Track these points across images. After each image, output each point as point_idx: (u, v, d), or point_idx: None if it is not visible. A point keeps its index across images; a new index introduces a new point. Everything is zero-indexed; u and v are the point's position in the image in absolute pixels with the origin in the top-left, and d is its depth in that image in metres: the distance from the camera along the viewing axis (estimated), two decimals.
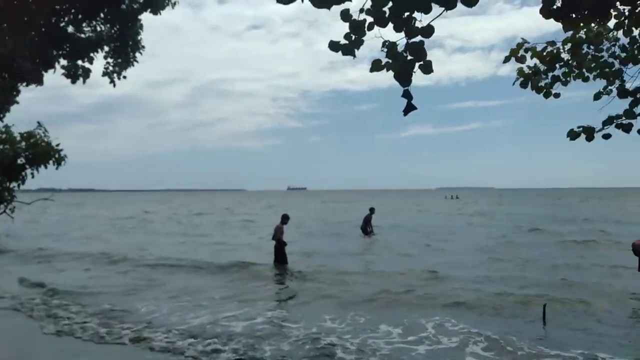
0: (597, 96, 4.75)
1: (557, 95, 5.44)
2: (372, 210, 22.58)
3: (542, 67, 5.37)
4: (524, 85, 5.55)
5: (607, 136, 4.33)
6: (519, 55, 5.19)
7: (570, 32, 5.03)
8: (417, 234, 22.71)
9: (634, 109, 4.25)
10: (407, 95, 2.79)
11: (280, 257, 13.40)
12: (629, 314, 8.14)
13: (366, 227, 22.20)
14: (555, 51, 5.23)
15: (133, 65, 8.24)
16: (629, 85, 4.47)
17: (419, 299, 9.20)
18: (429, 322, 7.78)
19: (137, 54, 8.15)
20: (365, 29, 2.79)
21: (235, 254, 15.83)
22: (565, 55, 5.25)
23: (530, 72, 5.44)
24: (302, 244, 18.00)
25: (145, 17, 7.54)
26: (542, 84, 5.50)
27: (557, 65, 5.31)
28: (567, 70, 5.30)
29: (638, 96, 4.32)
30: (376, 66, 2.97)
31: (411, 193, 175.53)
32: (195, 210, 49.40)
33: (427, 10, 2.42)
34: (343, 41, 2.85)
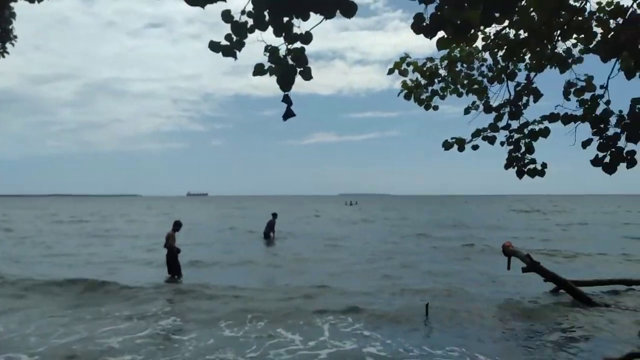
0: (466, 111, 5.21)
1: (435, 108, 5.88)
2: (274, 215, 22.96)
3: (423, 81, 5.81)
4: (407, 97, 5.92)
5: (475, 147, 4.77)
6: (402, 68, 5.55)
7: (447, 50, 5.53)
8: (311, 241, 23.10)
9: (497, 123, 4.73)
10: (287, 100, 2.82)
11: (173, 267, 12.48)
12: (502, 315, 8.92)
13: (269, 232, 22.46)
14: (434, 67, 5.68)
15: (3, 57, 7.41)
16: (493, 102, 4.94)
17: (313, 306, 9.27)
18: (325, 324, 7.92)
19: (8, 45, 7.35)
20: (247, 31, 2.78)
21: (72, 270, 13.89)
22: (442, 72, 5.73)
23: (412, 85, 5.85)
24: (197, 252, 17.41)
25: (22, 5, 6.79)
26: (423, 96, 5.94)
27: (436, 80, 5.77)
28: (444, 85, 5.79)
29: (501, 112, 4.81)
30: (259, 70, 2.97)
31: (314, 199, 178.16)
32: (63, 217, 44.00)
33: (304, 17, 2.47)
34: (224, 42, 2.80)
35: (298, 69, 2.87)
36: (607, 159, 3.80)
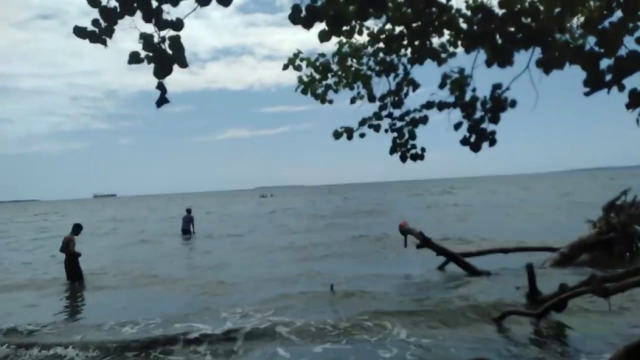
0: (352, 100, 5.49)
1: (330, 102, 6.12)
2: (189, 210, 22.76)
3: (317, 76, 6.02)
4: (304, 92, 6.10)
5: (362, 135, 5.06)
6: (296, 64, 5.71)
7: (337, 46, 5.78)
8: (219, 234, 23.09)
9: (381, 112, 5.05)
10: (161, 87, 2.80)
11: (73, 272, 11.76)
12: (403, 287, 9.66)
13: (188, 229, 22.15)
14: (326, 62, 5.91)
15: None
16: (377, 93, 5.25)
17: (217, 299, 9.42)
18: (232, 316, 7.95)
19: None
20: (116, 17, 2.72)
21: None
22: (334, 66, 5.98)
23: (308, 80, 6.04)
24: (104, 255, 16.49)
25: None
26: (319, 91, 6.15)
27: (329, 75, 6.02)
28: (337, 79, 6.05)
29: (385, 102, 5.13)
30: (135, 58, 2.92)
31: (229, 194, 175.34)
32: None
33: (173, 2, 2.48)
34: (91, 28, 2.72)
35: (175, 57, 2.87)
36: (472, 139, 4.22)
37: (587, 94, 3.15)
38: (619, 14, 3.24)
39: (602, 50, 3.11)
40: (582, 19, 4.46)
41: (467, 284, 9.48)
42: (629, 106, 3.07)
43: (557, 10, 4.25)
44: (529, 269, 7.23)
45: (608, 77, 3.01)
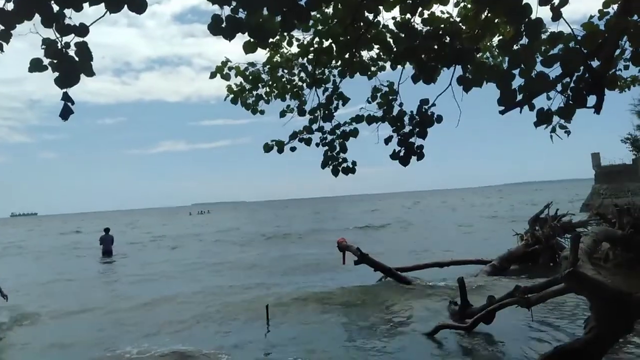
0: (282, 114, 5.44)
1: (262, 112, 6.03)
2: (107, 230, 21.68)
3: (248, 86, 5.90)
4: (233, 101, 5.96)
5: (293, 149, 5.01)
6: (224, 73, 5.56)
7: (267, 55, 5.71)
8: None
9: (312, 126, 5.03)
10: (66, 98, 2.59)
11: None
12: (335, 301, 9.66)
13: (109, 249, 21.14)
14: (256, 72, 5.82)
15: None
16: (308, 106, 5.23)
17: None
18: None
19: None
20: (14, 20, 2.48)
21: None
22: (265, 76, 5.89)
23: (238, 89, 5.91)
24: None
25: None
26: (249, 101, 6.04)
27: (260, 85, 5.92)
28: (268, 89, 5.97)
29: (316, 115, 5.11)
30: (36, 66, 2.68)
31: (164, 211, 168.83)
32: None
33: (75, 7, 2.29)
34: None
35: (81, 65, 2.67)
36: (402, 153, 4.30)
37: (502, 112, 3.29)
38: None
39: (515, 71, 3.26)
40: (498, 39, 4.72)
41: (400, 297, 9.56)
42: (536, 124, 3.25)
43: (476, 30, 4.45)
44: (460, 282, 7.42)
45: (519, 97, 3.16)
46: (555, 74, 3.23)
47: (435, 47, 4.19)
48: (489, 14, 3.87)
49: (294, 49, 5.37)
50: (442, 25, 4.46)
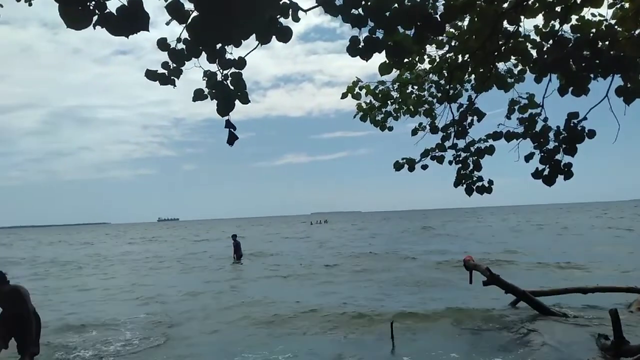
0: (414, 132, 5.34)
1: (390, 129, 6.03)
2: (234, 237, 23.85)
3: (377, 104, 5.95)
4: (363, 119, 6.05)
5: (424, 167, 4.89)
6: (355, 92, 5.68)
7: (397, 73, 5.70)
8: (269, 261, 23.43)
9: (444, 143, 4.87)
10: (230, 125, 2.85)
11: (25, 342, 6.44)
12: (467, 324, 9.10)
13: (239, 254, 23.16)
14: (386, 90, 5.84)
15: None
16: (440, 123, 5.09)
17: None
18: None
19: None
20: (184, 58, 2.82)
21: None
22: (394, 94, 5.88)
23: (367, 107, 5.99)
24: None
25: None
26: (378, 118, 6.08)
27: (389, 102, 5.93)
28: (397, 106, 5.95)
29: (448, 132, 4.95)
30: (198, 95, 3.01)
31: (287, 219, 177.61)
32: None
33: (235, 43, 2.52)
34: (161, 70, 2.83)
35: (237, 94, 2.92)
36: (546, 172, 3.95)
37: None
38: None
39: None
40: None
41: (536, 326, 8.65)
42: None
43: (638, 32, 3.95)
44: (613, 314, 6.47)
45: None
46: None
47: (587, 54, 3.81)
48: None
49: (425, 65, 5.29)
50: (594, 30, 4.05)
